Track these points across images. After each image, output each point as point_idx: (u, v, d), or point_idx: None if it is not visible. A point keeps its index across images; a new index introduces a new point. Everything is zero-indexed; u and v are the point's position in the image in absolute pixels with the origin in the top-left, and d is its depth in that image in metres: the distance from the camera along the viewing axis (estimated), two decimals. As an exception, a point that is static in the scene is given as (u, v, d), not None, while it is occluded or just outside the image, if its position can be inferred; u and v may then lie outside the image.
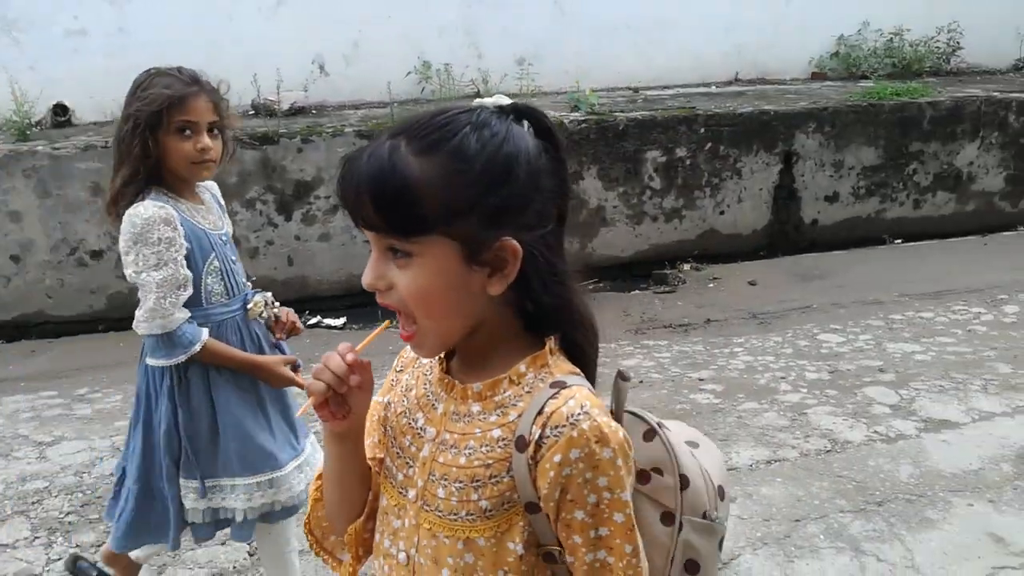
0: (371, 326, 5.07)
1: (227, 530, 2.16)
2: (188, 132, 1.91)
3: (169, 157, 1.92)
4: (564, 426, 0.90)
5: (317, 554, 1.18)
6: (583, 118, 5.53)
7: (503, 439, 0.95)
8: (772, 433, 3.42)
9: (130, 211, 1.90)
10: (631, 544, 0.94)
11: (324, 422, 1.02)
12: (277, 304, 2.17)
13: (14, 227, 4.76)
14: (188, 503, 2.03)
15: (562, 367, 0.98)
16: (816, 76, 7.71)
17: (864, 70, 7.59)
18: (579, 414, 0.90)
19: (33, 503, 3.02)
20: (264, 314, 2.11)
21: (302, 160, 5.08)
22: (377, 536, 1.09)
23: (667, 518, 1.03)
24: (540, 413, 0.92)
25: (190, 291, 1.93)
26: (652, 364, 4.19)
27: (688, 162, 5.78)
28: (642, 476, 1.03)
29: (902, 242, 6.41)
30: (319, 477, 1.14)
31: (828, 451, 3.26)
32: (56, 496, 3.06)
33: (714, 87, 7.20)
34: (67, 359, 4.55)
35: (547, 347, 0.99)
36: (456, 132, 0.89)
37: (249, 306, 2.08)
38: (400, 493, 1.02)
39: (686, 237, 5.92)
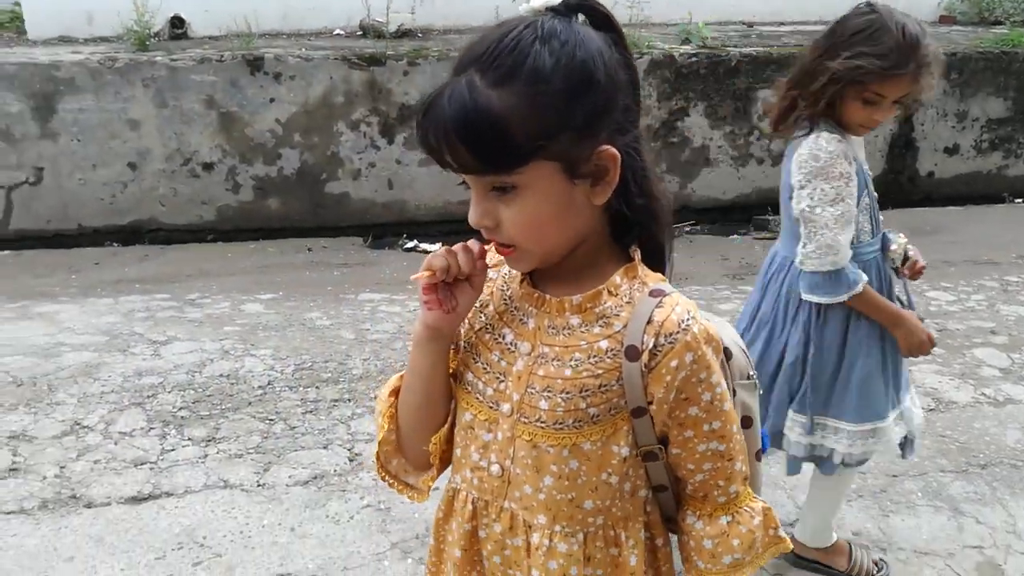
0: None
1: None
2: (873, 103, 1.83)
3: (844, 111, 1.86)
4: (677, 332, 0.94)
5: (382, 479, 1.16)
6: (694, 52, 5.35)
7: (611, 349, 0.97)
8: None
9: (811, 143, 1.84)
10: (735, 425, 1.03)
11: (427, 310, 1.01)
12: (911, 247, 2.06)
13: (132, 135, 4.95)
14: (792, 436, 2.05)
15: (651, 276, 1.01)
16: (944, 20, 7.24)
17: (998, 15, 7.10)
18: (688, 319, 0.95)
19: (148, 397, 3.21)
20: (899, 257, 2.04)
21: (408, 83, 5.09)
22: (458, 451, 1.09)
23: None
24: (649, 322, 0.94)
25: (853, 229, 1.90)
26: (749, 309, 4.11)
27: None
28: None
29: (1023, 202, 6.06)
30: (392, 393, 1.12)
31: (932, 410, 3.16)
32: (169, 392, 3.24)
33: (833, 26, 6.84)
34: (178, 265, 4.76)
35: (637, 258, 1.01)
36: (527, 53, 0.86)
37: (893, 247, 2.01)
38: (491, 407, 1.03)
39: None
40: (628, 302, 0.98)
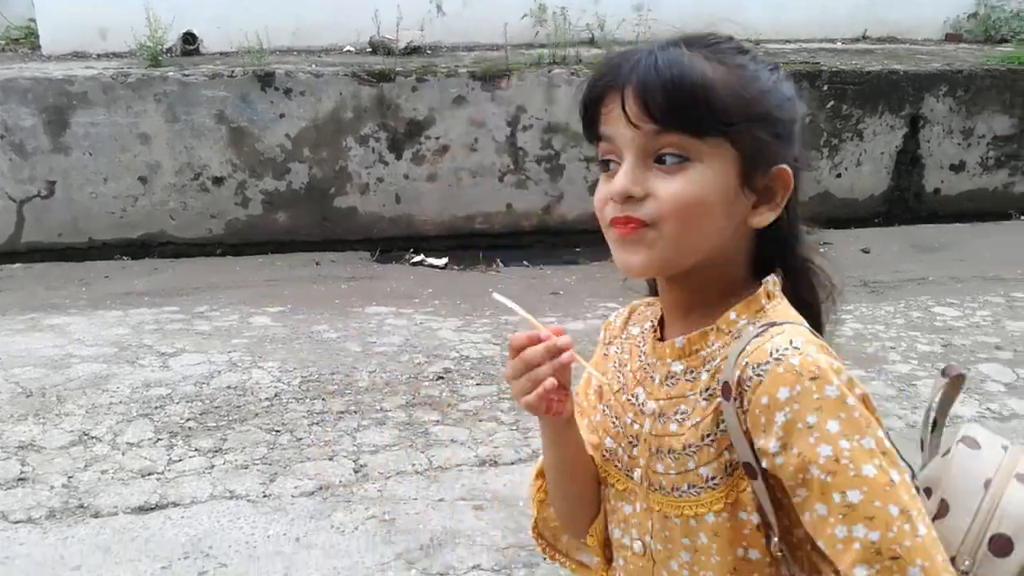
0: (473, 268, 5.17)
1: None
2: None
3: None
4: (768, 363, 0.76)
5: (552, 559, 1.09)
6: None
7: (709, 389, 0.84)
8: (878, 402, 3.28)
9: None
10: (898, 505, 0.71)
11: (552, 416, 0.91)
12: None
13: (143, 149, 5.01)
14: None
15: (782, 312, 0.84)
16: (951, 38, 7.27)
17: (1004, 34, 7.12)
18: (785, 348, 0.76)
19: (156, 408, 3.23)
20: None
21: (416, 99, 5.14)
22: (609, 529, 0.99)
23: None
24: (742, 352, 0.79)
25: None
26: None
27: (808, 120, 5.55)
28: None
29: (1030, 219, 6.05)
30: (539, 475, 1.04)
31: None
32: (177, 403, 3.26)
33: (839, 43, 6.89)
34: (187, 278, 4.80)
35: (763, 289, 0.86)
36: (736, 46, 0.85)
37: None
38: (627, 475, 0.94)
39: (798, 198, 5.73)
40: (737, 339, 0.83)
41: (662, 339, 0.93)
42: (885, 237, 5.60)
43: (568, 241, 5.39)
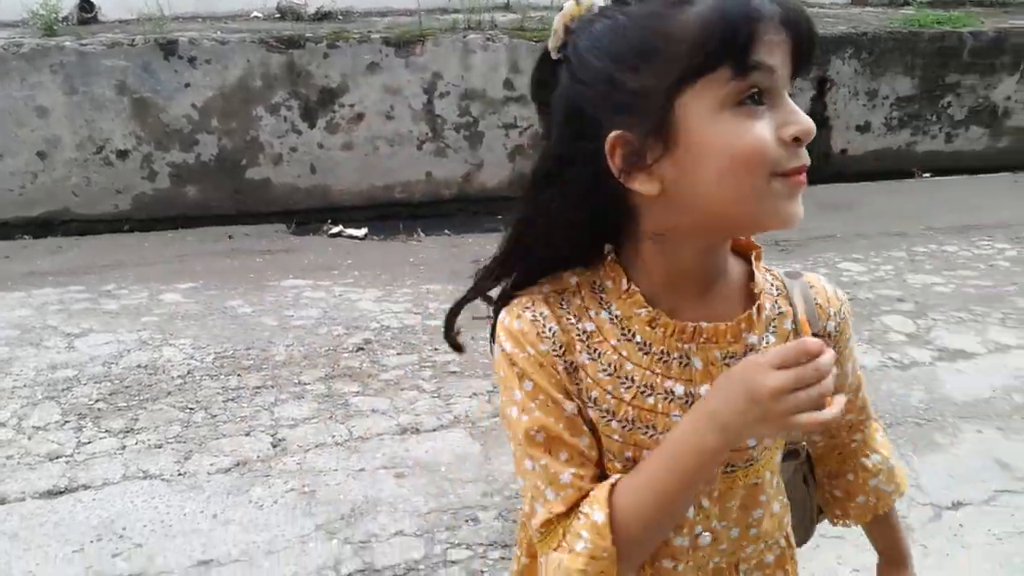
0: (393, 238, 5.13)
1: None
2: None
3: None
4: (842, 304, 0.99)
5: None
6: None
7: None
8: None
9: None
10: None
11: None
12: None
13: (40, 123, 4.77)
14: None
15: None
16: (856, 2, 7.47)
17: (906, -4, 7.35)
18: (832, 287, 0.99)
19: (63, 390, 3.12)
20: None
21: (328, 66, 5.03)
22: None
23: None
24: (818, 306, 0.95)
25: None
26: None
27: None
28: None
29: (932, 176, 6.31)
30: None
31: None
32: (85, 384, 3.16)
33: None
34: (93, 256, 4.62)
35: (755, 253, 0.92)
36: None
37: None
38: None
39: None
40: (779, 295, 0.90)
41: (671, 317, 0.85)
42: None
43: (490, 209, 5.37)
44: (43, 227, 4.95)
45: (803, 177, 0.78)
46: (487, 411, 2.98)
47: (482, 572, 2.20)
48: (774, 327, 0.87)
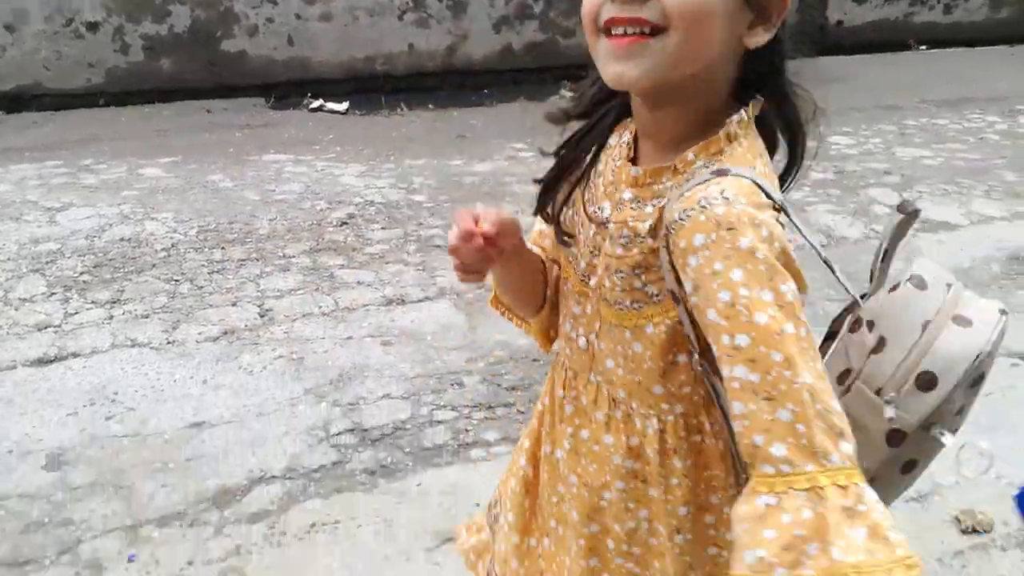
0: (375, 112, 5.02)
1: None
2: None
3: None
4: (694, 209, 0.76)
5: (501, 314, 1.17)
6: None
7: (653, 225, 0.86)
8: (771, 227, 3.46)
9: None
10: (782, 353, 0.71)
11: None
12: None
13: (4, -9, 4.57)
14: None
15: (740, 157, 0.82)
16: None
17: None
18: (714, 198, 0.76)
19: (47, 263, 3.11)
20: None
21: (303, -71, 4.79)
22: (560, 317, 1.05)
23: (843, 377, 0.88)
24: (681, 196, 0.79)
25: None
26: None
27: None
28: (855, 325, 0.90)
29: (928, 48, 6.17)
30: None
31: (824, 246, 3.30)
32: (69, 257, 3.15)
33: None
34: (69, 131, 4.52)
35: (724, 131, 0.83)
36: None
37: None
38: (582, 280, 0.97)
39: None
40: (688, 180, 0.82)
41: (633, 160, 0.91)
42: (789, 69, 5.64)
43: (476, 83, 5.25)
44: (15, 102, 4.81)
45: (619, 37, 0.78)
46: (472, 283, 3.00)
47: (467, 431, 2.27)
48: (657, 202, 0.86)
